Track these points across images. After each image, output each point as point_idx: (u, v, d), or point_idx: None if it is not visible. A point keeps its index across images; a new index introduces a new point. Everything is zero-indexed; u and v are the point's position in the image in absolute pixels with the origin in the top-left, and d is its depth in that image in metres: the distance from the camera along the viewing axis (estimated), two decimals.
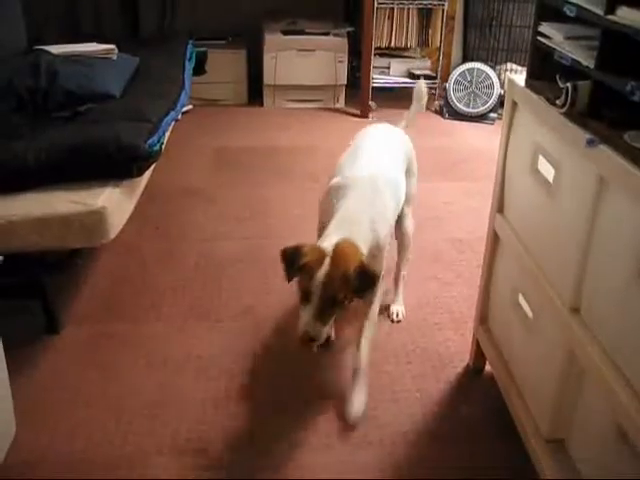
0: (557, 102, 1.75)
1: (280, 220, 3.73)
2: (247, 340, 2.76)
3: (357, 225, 2.20)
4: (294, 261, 2.06)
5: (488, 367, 2.52)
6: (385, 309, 2.85)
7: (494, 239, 2.31)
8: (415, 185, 2.81)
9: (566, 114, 1.71)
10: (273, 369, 2.59)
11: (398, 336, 2.75)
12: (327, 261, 2.02)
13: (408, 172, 2.72)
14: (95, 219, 2.44)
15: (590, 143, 1.56)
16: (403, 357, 2.64)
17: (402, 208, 2.66)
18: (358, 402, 2.29)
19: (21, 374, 2.50)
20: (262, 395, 2.46)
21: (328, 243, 2.09)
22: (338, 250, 2.05)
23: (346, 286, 2.03)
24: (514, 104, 2.12)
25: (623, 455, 1.51)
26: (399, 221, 2.71)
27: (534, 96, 1.93)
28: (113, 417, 2.35)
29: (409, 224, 2.81)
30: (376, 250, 2.26)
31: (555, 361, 1.81)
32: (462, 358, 2.63)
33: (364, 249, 2.15)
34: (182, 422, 2.32)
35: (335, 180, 2.43)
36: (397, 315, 2.87)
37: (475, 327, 2.52)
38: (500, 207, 2.26)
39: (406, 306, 2.92)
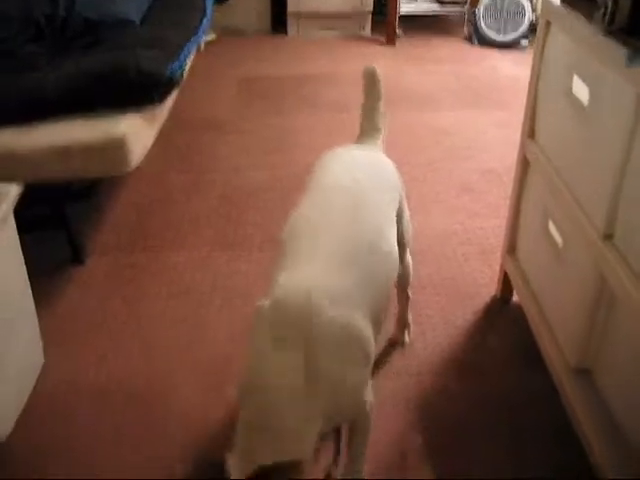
0: (595, 18, 1.65)
1: (306, 150, 3.66)
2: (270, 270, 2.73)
3: None
4: None
5: (515, 298, 2.48)
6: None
7: (524, 165, 2.24)
8: (409, 221, 2.06)
9: (604, 31, 1.62)
10: None
11: (425, 267, 2.70)
12: None
13: (400, 213, 1.93)
14: (116, 147, 2.40)
15: (630, 60, 1.47)
16: (430, 288, 2.60)
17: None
18: None
19: (47, 305, 2.52)
20: None
21: None
22: None
23: None
24: (548, 24, 2.02)
25: None
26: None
27: (570, 14, 1.83)
28: (137, 347, 2.36)
29: (408, 268, 2.16)
30: None
31: (585, 289, 1.77)
32: (489, 289, 2.59)
33: None
34: (207, 353, 2.32)
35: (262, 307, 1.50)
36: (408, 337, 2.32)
37: (503, 257, 2.47)
38: (531, 132, 2.18)
39: (433, 237, 2.87)
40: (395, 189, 1.92)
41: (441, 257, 2.78)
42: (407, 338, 2.31)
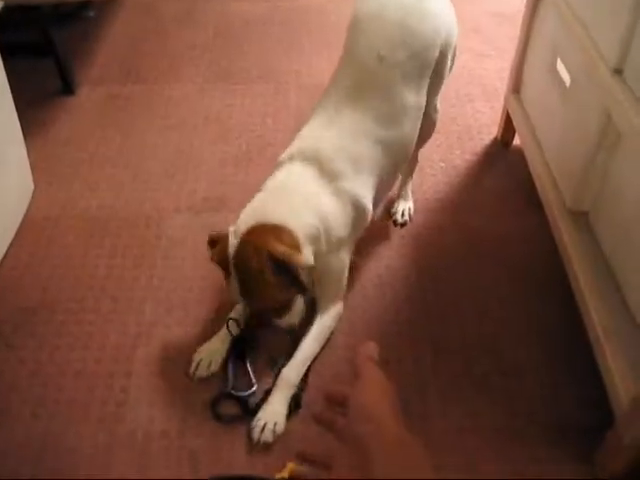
0: None
1: None
2: (268, 103, 2.66)
3: (293, 196, 1.61)
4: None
5: (516, 141, 2.42)
6: (387, 210, 2.20)
7: (535, 1, 2.11)
8: (451, 63, 1.95)
9: None
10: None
11: None
12: (233, 268, 1.55)
13: (445, 50, 1.84)
14: None
15: None
16: None
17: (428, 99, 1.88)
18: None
19: (37, 134, 2.47)
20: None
21: (234, 235, 1.56)
22: (242, 246, 1.53)
23: (265, 292, 1.53)
24: None
25: None
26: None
27: None
28: (130, 176, 2.33)
29: (435, 115, 2.02)
30: (329, 237, 1.64)
31: (589, 129, 1.70)
32: (490, 131, 2.53)
33: (301, 229, 1.56)
34: (200, 181, 2.30)
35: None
36: (402, 215, 2.16)
37: (506, 98, 2.39)
38: None
39: None
40: (435, 37, 1.78)
41: (443, 97, 2.67)
42: (400, 217, 2.15)
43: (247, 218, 1.57)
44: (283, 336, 1.74)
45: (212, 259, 1.62)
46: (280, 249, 1.49)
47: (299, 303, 1.65)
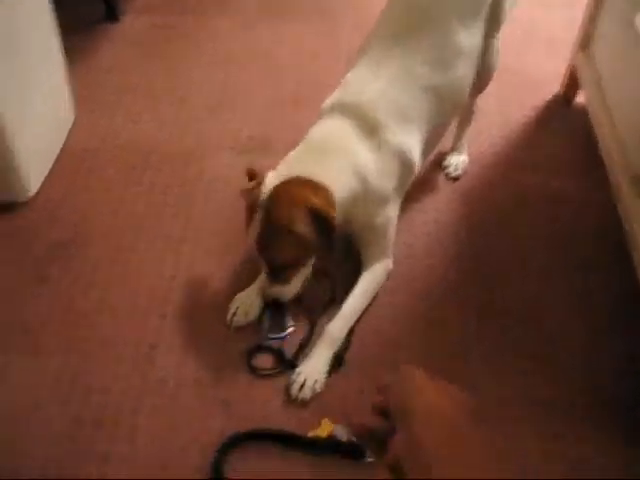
0: None
1: None
2: (320, 42, 2.55)
3: (331, 154, 1.53)
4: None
5: (579, 99, 2.28)
6: (438, 163, 2.09)
7: None
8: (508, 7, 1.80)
9: None
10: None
11: None
12: (261, 214, 1.48)
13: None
14: None
15: None
16: None
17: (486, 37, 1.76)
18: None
19: (79, 61, 2.40)
20: None
21: (271, 182, 1.50)
22: (275, 195, 1.47)
23: (290, 245, 1.48)
24: None
25: None
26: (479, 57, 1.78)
27: None
28: (174, 109, 2.25)
29: (494, 58, 1.88)
30: (370, 195, 1.56)
31: None
32: (552, 86, 2.38)
33: (338, 189, 1.49)
34: (245, 120, 2.21)
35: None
36: (455, 169, 2.04)
37: (574, 53, 2.24)
38: None
39: None
40: None
41: (504, 46, 2.53)
42: (453, 170, 2.04)
43: (285, 169, 1.51)
44: (323, 290, 1.68)
45: (242, 193, 1.55)
46: (318, 201, 1.44)
47: (305, 273, 1.58)
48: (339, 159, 1.52)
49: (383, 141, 1.54)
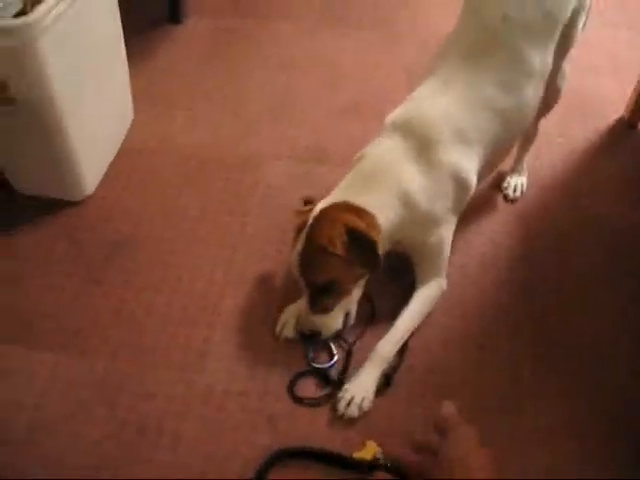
0: None
1: None
2: (381, 53, 2.52)
3: (379, 180, 1.51)
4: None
5: None
6: (497, 183, 2.05)
7: None
8: (583, 23, 1.75)
9: None
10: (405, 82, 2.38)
11: None
12: (303, 234, 1.49)
13: (578, 7, 1.67)
14: None
15: None
16: None
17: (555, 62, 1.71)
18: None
19: (141, 62, 2.42)
20: None
21: (320, 207, 1.52)
22: (318, 217, 1.49)
23: (327, 265, 1.45)
24: None
25: None
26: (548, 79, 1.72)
27: None
28: (232, 114, 2.26)
29: (561, 82, 1.85)
30: (420, 217, 1.54)
31: None
32: (617, 109, 2.32)
33: (383, 215, 1.48)
34: (303, 128, 2.20)
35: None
36: (515, 190, 2.00)
37: None
38: None
39: None
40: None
41: None
42: (512, 192, 2.00)
43: (334, 196, 1.52)
44: (363, 312, 1.64)
45: (295, 214, 1.59)
46: (358, 222, 1.44)
47: (347, 305, 1.54)
48: (386, 185, 1.50)
49: (436, 160, 1.51)
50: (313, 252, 1.45)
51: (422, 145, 1.52)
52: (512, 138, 1.73)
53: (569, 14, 1.64)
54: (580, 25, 1.73)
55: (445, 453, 0.75)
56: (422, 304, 1.63)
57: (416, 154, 1.51)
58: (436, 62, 1.64)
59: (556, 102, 1.89)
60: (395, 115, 1.59)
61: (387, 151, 1.54)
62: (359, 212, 1.46)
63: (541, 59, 1.62)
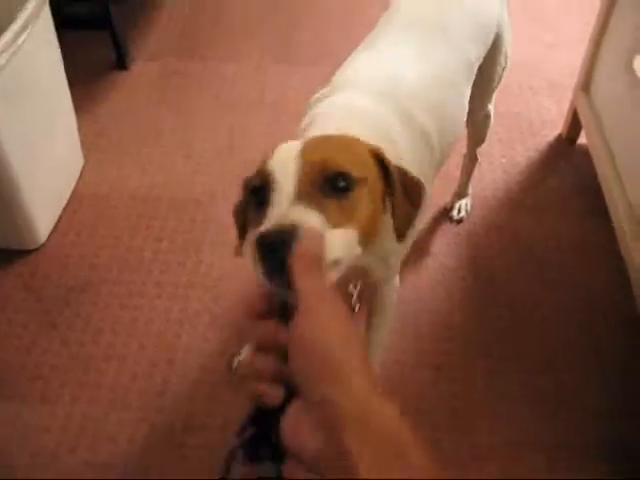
0: None
1: None
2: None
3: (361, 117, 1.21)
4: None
5: (582, 140, 2.30)
6: (443, 208, 2.10)
7: None
8: (503, 64, 1.72)
9: None
10: None
11: None
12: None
13: (494, 49, 1.60)
14: None
15: None
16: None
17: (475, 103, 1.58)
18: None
19: (89, 108, 2.44)
20: None
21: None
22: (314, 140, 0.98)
23: (361, 157, 0.96)
24: None
25: None
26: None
27: None
28: (182, 156, 2.29)
29: (484, 124, 1.84)
30: None
31: None
32: (555, 127, 2.41)
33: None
34: (252, 167, 2.21)
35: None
36: (459, 211, 2.05)
37: (575, 94, 2.27)
38: None
39: None
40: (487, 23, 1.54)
41: (506, 88, 2.55)
42: (456, 214, 2.05)
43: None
44: None
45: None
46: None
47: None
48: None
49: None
50: (336, 140, 1.01)
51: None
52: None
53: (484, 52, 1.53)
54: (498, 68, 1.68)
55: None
56: (391, 312, 1.45)
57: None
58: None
59: (486, 131, 1.88)
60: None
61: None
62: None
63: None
